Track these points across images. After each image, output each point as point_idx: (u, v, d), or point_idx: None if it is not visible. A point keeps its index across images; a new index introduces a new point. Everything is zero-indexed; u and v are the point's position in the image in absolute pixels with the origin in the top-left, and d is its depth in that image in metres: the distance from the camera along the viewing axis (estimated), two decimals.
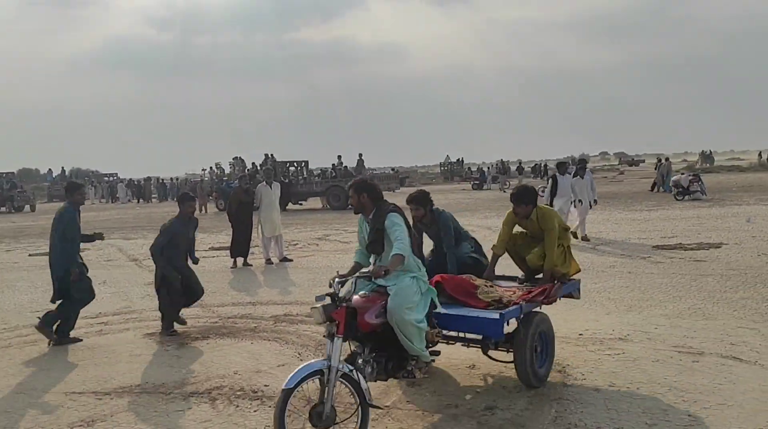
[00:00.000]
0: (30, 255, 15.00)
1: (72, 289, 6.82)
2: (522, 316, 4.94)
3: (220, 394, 5.06)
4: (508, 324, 4.81)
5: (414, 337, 4.31)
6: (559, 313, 7.20)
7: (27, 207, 35.75)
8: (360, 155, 29.78)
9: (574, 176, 13.39)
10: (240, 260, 12.08)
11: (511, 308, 4.80)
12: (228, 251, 12.42)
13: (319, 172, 32.13)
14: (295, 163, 30.05)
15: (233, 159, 36.08)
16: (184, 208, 7.43)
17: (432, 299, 4.61)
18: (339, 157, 29.98)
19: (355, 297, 4.27)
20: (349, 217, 22.49)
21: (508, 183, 38.45)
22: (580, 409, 4.49)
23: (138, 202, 43.65)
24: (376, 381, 4.39)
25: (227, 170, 36.66)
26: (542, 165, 45.26)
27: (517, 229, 5.78)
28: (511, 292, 5.20)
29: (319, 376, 3.82)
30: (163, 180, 49.46)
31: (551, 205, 12.73)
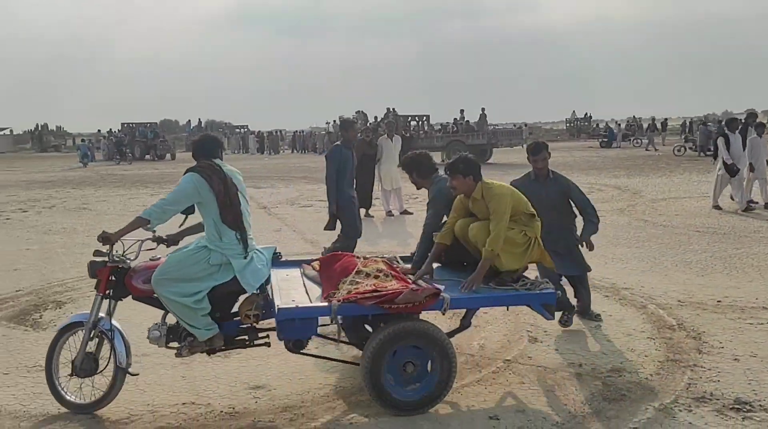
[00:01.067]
0: None
1: (342, 224, 7.34)
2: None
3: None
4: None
5: (179, 312, 3.86)
6: (694, 278, 6.81)
7: (168, 155, 38.47)
8: (483, 110, 29.16)
9: (743, 133, 11.65)
10: (362, 211, 12.34)
11: (302, 306, 3.82)
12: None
13: (440, 126, 31.92)
14: (416, 118, 29.99)
15: (356, 113, 36.62)
16: None
17: (237, 277, 3.92)
18: (461, 111, 29.57)
19: (150, 260, 4.07)
20: None
21: (644, 141, 36.09)
22: (716, 378, 4.22)
23: (270, 153, 45.62)
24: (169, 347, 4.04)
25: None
26: (689, 122, 41.96)
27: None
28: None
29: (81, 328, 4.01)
30: (294, 133, 51.27)
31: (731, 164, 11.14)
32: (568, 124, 58.33)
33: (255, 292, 3.98)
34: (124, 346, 3.93)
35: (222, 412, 3.94)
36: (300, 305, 3.83)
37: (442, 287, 4.01)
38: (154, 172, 27.46)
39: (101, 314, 3.99)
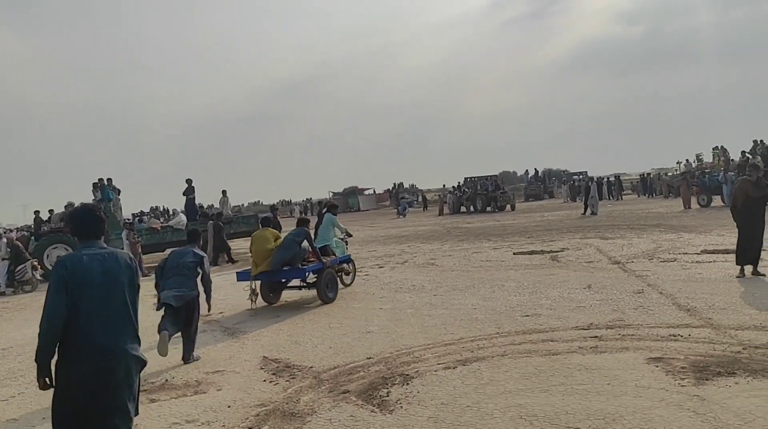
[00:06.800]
0: (515, 253, 15.55)
1: None
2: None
3: None
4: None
5: None
6: None
7: (508, 206, 38.86)
8: None
9: None
10: (748, 268, 9.85)
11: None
12: (730, 256, 10.33)
13: None
14: None
15: (714, 149, 32.23)
16: None
17: None
18: None
19: None
20: None
21: None
22: None
23: (611, 198, 43.04)
24: None
25: (708, 160, 32.83)
26: None
27: None
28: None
29: None
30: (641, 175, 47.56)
31: None
32: None
33: None
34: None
35: None
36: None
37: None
38: (495, 223, 27.61)
39: None
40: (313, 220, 15.72)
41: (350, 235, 13.24)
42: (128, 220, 22.95)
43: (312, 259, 10.63)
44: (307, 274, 10.58)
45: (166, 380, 6.61)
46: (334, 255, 11.51)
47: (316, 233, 11.81)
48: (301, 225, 10.84)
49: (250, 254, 10.91)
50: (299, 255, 10.31)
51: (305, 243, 10.40)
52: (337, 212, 12.71)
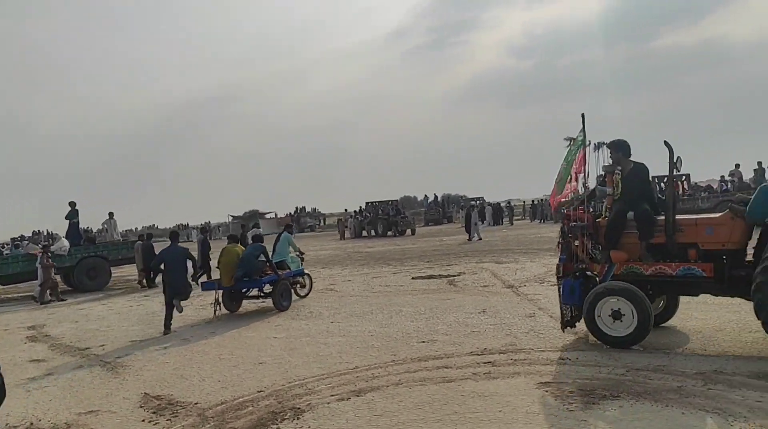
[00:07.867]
0: (413, 278, 15.63)
1: None
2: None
3: None
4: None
5: None
6: None
7: (408, 231, 39.34)
8: (759, 164, 24.91)
9: None
10: None
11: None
12: None
13: (707, 185, 27.99)
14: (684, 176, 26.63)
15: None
16: None
17: None
18: (737, 165, 25.66)
19: None
20: None
21: None
22: None
23: (502, 223, 44.58)
24: None
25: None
26: None
27: None
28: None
29: None
30: (533, 202, 49.53)
31: None
32: None
33: None
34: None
35: None
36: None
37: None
38: (396, 247, 27.79)
39: None
40: (218, 244, 17.07)
41: (302, 253, 14.25)
42: (44, 242, 21.97)
43: (269, 272, 11.97)
44: (263, 284, 12.02)
45: (31, 423, 5.98)
46: (289, 269, 12.83)
47: (273, 250, 12.95)
48: (256, 241, 12.45)
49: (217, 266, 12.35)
50: (257, 268, 11.73)
51: (262, 257, 11.86)
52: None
